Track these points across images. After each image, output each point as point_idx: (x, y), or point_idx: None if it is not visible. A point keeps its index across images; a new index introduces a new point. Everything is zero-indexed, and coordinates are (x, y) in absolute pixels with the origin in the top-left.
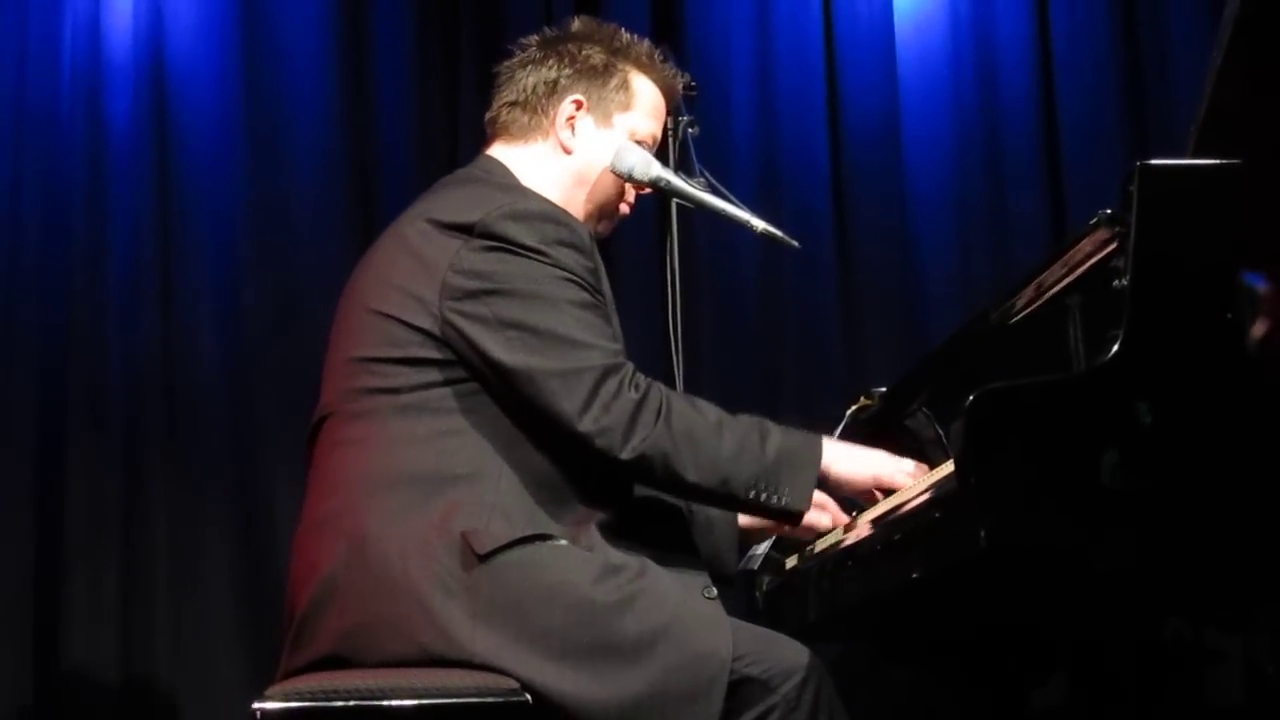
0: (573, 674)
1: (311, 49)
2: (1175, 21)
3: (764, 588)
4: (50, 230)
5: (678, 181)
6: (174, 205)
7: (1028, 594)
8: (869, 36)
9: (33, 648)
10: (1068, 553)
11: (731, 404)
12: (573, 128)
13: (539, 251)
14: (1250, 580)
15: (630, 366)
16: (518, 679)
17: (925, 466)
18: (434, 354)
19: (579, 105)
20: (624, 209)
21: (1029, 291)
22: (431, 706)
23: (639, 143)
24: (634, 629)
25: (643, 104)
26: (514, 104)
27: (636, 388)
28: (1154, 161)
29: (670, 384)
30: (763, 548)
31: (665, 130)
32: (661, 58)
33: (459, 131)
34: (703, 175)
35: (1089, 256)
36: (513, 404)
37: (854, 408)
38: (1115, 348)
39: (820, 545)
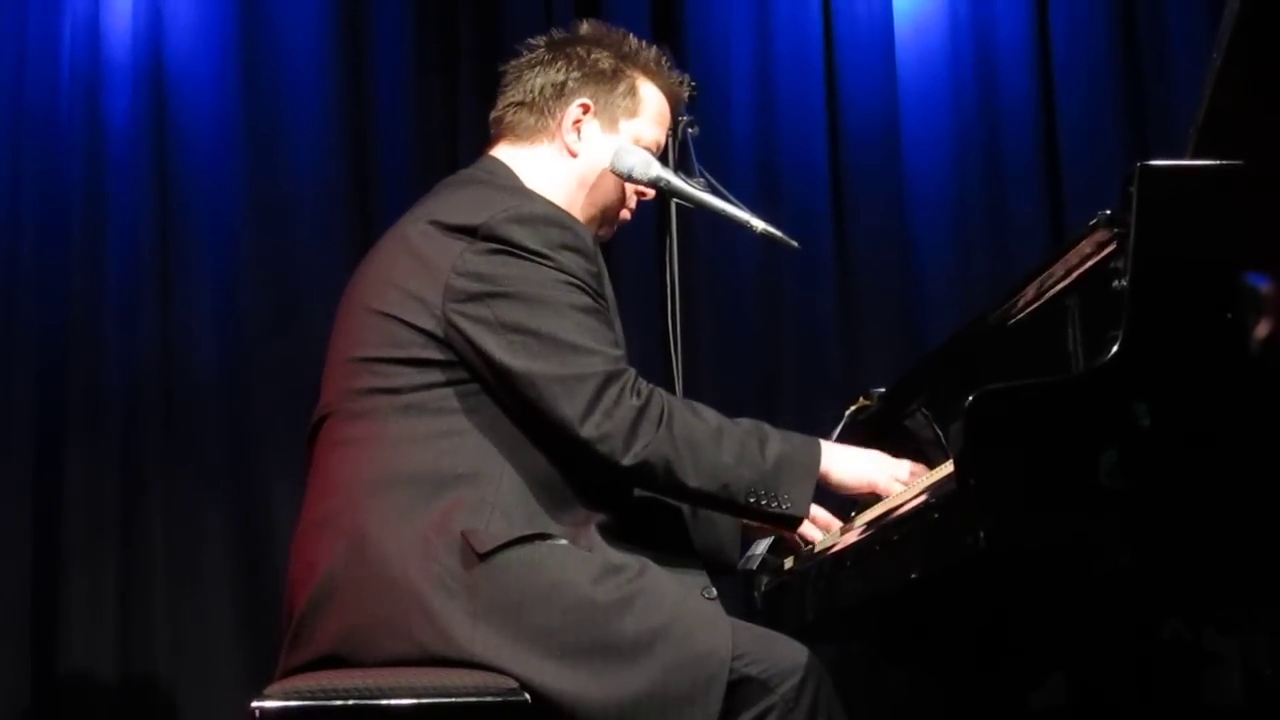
0: (572, 673)
1: (310, 49)
2: (1175, 23)
3: (762, 588)
4: (49, 230)
5: (677, 182)
6: (173, 205)
7: (1026, 595)
8: (868, 38)
9: (31, 648)
10: (1067, 553)
11: (730, 404)
12: (579, 131)
13: (543, 255)
14: (1249, 582)
15: (632, 372)
16: (517, 678)
17: (924, 467)
18: (435, 355)
19: (586, 109)
20: (625, 214)
21: (1028, 292)
22: (430, 706)
23: (644, 149)
24: (633, 629)
25: (649, 111)
26: (520, 105)
27: (638, 394)
28: (1154, 162)
29: (669, 385)
30: (762, 547)
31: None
32: (669, 64)
33: (458, 131)
34: (702, 175)
35: (1088, 257)
36: (514, 406)
37: (853, 408)
38: (1114, 348)
39: (819, 545)
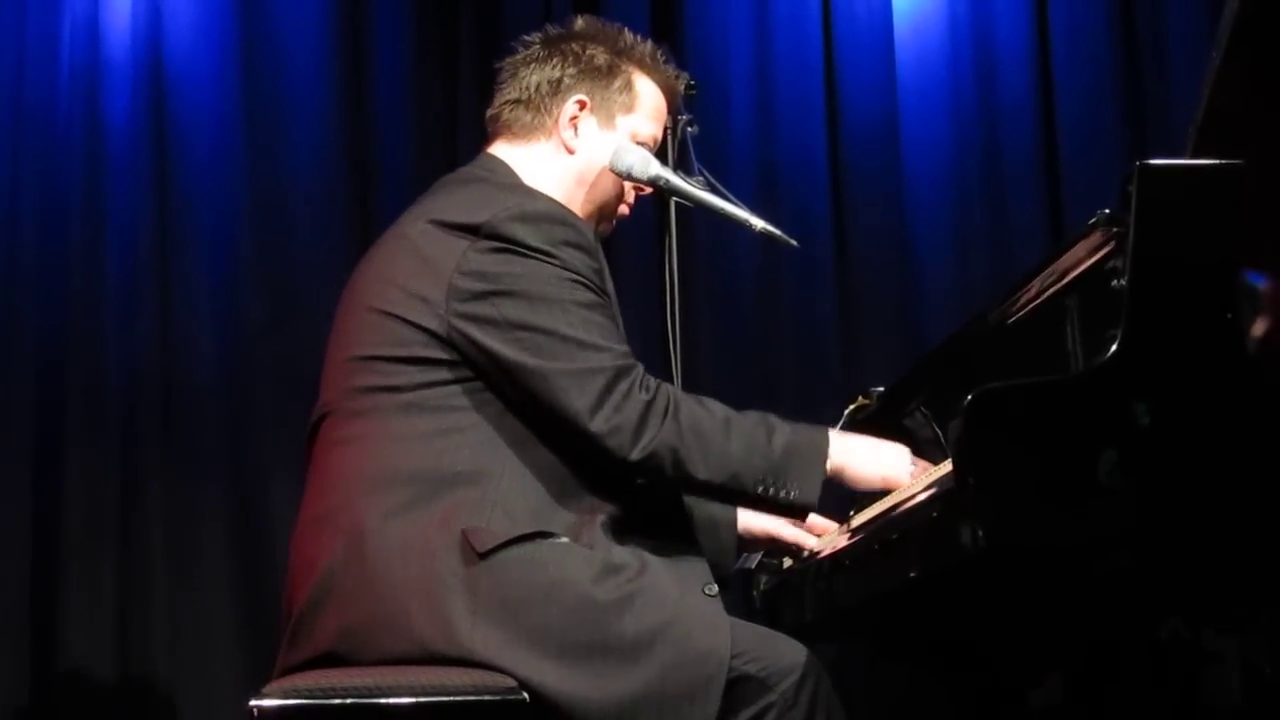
0: (571, 673)
1: (310, 48)
2: (1174, 22)
3: (761, 587)
4: (48, 229)
5: (676, 180)
6: (172, 204)
7: (1025, 594)
8: (868, 37)
9: (30, 646)
10: (1066, 553)
11: (729, 403)
12: (575, 128)
13: (546, 253)
14: (1249, 581)
15: (640, 368)
16: (516, 677)
17: (928, 464)
18: (437, 354)
19: (582, 105)
20: (623, 210)
21: (1027, 291)
22: (429, 704)
23: (640, 144)
24: (632, 628)
25: (645, 106)
26: (517, 102)
27: (646, 389)
28: (1153, 161)
29: (669, 382)
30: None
31: (664, 129)
32: (664, 59)
33: (458, 130)
34: (701, 174)
35: (1087, 256)
36: (518, 402)
37: (852, 407)
38: (1113, 348)
39: (818, 544)
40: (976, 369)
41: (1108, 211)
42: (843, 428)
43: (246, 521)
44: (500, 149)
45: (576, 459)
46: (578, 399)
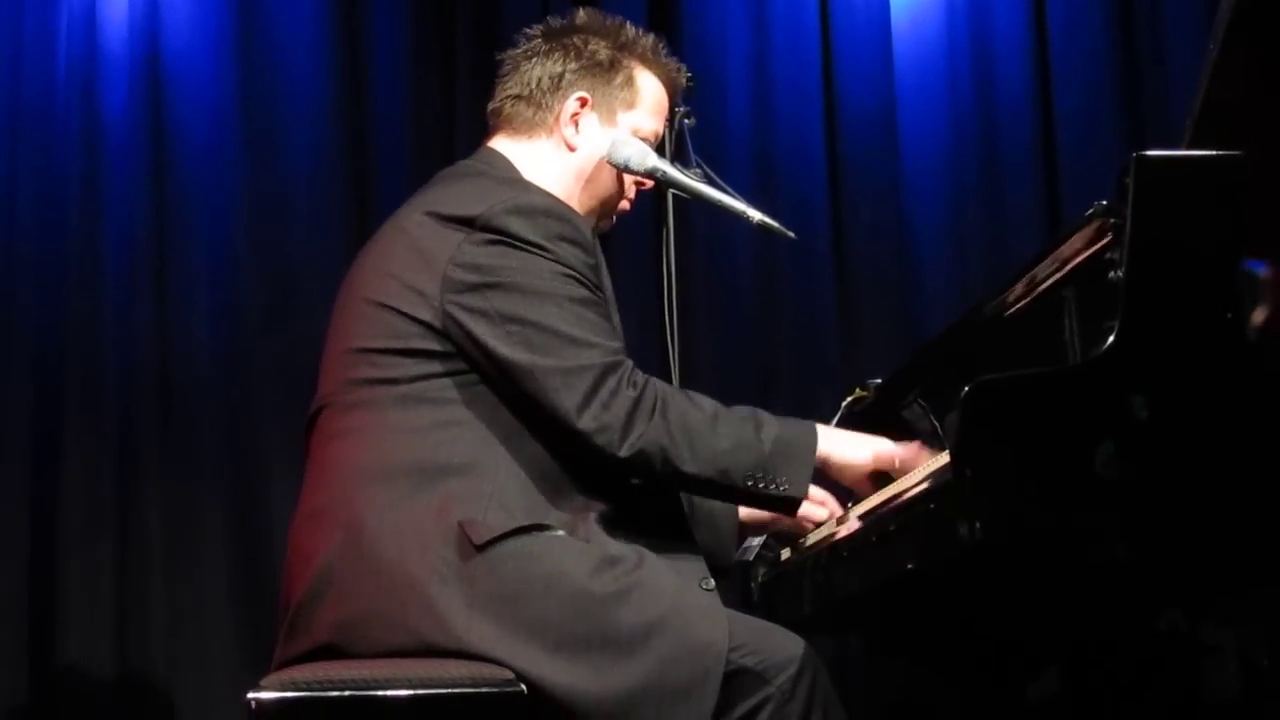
0: (568, 665)
1: (307, 42)
2: (1171, 14)
3: (759, 579)
4: (45, 223)
5: (674, 172)
6: (169, 198)
7: (1023, 586)
8: (865, 28)
9: (28, 639)
10: (1063, 544)
11: (727, 395)
12: (577, 124)
13: (541, 247)
14: (1246, 572)
15: (629, 364)
16: (513, 670)
17: (918, 446)
18: (433, 345)
19: (584, 102)
20: (624, 205)
21: (1024, 283)
22: (427, 697)
23: (642, 140)
24: (630, 621)
25: (647, 101)
26: (518, 97)
27: (634, 385)
28: (1150, 153)
29: (666, 375)
30: (758, 539)
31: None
32: (667, 52)
33: (455, 124)
34: (699, 166)
35: (1085, 248)
36: (511, 397)
37: (849, 399)
38: (1111, 339)
39: (815, 537)
40: (974, 361)
41: (1105, 203)
42: (840, 419)
43: (244, 515)
44: (500, 143)
45: (569, 454)
46: (565, 398)
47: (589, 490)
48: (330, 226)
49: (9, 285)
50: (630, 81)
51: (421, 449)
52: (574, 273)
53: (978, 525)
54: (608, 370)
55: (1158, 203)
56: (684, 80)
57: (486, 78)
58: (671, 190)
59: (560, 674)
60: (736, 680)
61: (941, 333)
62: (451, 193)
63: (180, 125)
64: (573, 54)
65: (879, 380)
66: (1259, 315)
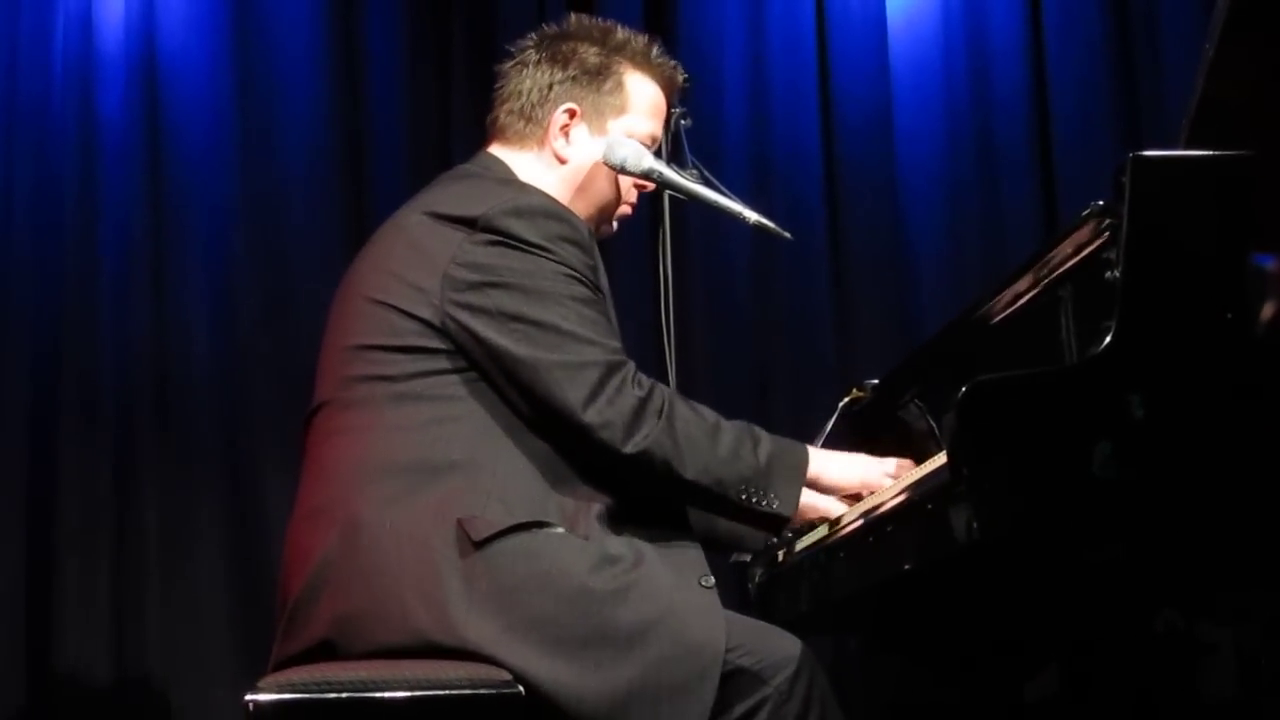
0: (566, 663)
1: (303, 42)
2: (1167, 12)
3: (756, 579)
4: (42, 223)
5: (670, 173)
6: (166, 198)
7: (1020, 585)
8: (861, 28)
9: (25, 639)
10: (1060, 544)
11: (724, 396)
12: (567, 136)
13: (542, 247)
14: (1243, 571)
15: (633, 365)
16: (511, 667)
17: (909, 463)
18: (432, 343)
19: (572, 114)
20: (625, 210)
21: (1021, 283)
22: (424, 698)
23: (639, 142)
24: (628, 619)
25: (639, 105)
26: (510, 110)
27: (640, 385)
28: (1146, 153)
29: (663, 376)
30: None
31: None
32: (660, 51)
33: (450, 124)
34: (695, 167)
35: (1081, 248)
36: (513, 392)
37: (846, 399)
38: (1107, 339)
39: (812, 537)
40: (971, 360)
41: (1101, 203)
42: (837, 420)
43: (241, 514)
44: (496, 150)
45: (569, 451)
46: (571, 391)
47: (588, 486)
48: (326, 227)
49: (5, 285)
50: (620, 87)
51: (420, 446)
52: (575, 273)
53: (974, 525)
54: (613, 368)
55: (1154, 202)
56: (681, 78)
57: (482, 79)
58: (668, 191)
59: (559, 671)
60: (734, 680)
61: (938, 332)
62: (451, 194)
63: (176, 126)
64: (560, 63)
65: (876, 380)
66: (1268, 310)
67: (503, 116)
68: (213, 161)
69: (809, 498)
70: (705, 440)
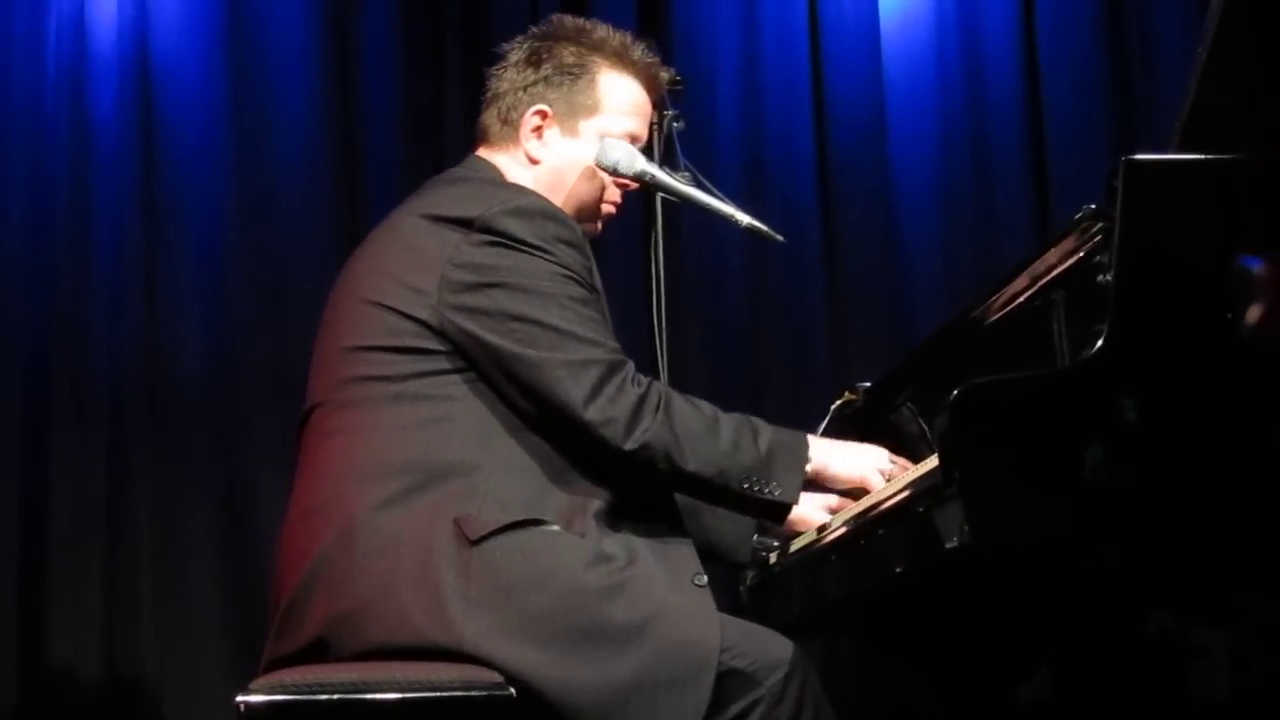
0: (563, 660)
1: (297, 43)
2: (1160, 17)
3: (748, 582)
4: (35, 224)
5: (663, 176)
6: (159, 199)
7: (1012, 589)
8: (855, 31)
9: (17, 642)
10: (1052, 547)
11: (716, 399)
12: (540, 136)
13: (540, 248)
14: (1235, 574)
15: (632, 364)
16: (507, 665)
17: (905, 461)
18: (428, 344)
19: (543, 115)
20: (609, 209)
21: (1014, 286)
22: (416, 700)
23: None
24: (623, 615)
25: (614, 104)
26: (491, 112)
27: (638, 383)
28: (1139, 156)
29: (655, 378)
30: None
31: (650, 124)
32: (642, 49)
33: (444, 126)
34: (688, 170)
35: (1074, 251)
36: (514, 391)
37: (839, 402)
38: (1100, 343)
39: (804, 539)
40: (963, 364)
41: (1094, 206)
42: (830, 423)
43: (234, 517)
44: (483, 153)
45: (567, 448)
46: (573, 388)
47: (584, 486)
48: (319, 228)
49: None
50: (593, 87)
51: (415, 446)
52: (572, 273)
53: (966, 528)
54: (614, 367)
55: (1147, 206)
56: (663, 75)
57: (475, 81)
58: (660, 194)
59: (555, 668)
60: (727, 682)
61: (931, 335)
62: (445, 196)
63: (170, 127)
64: (535, 65)
65: (868, 383)
66: (1254, 313)
67: (486, 119)
68: (206, 163)
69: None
70: (705, 432)
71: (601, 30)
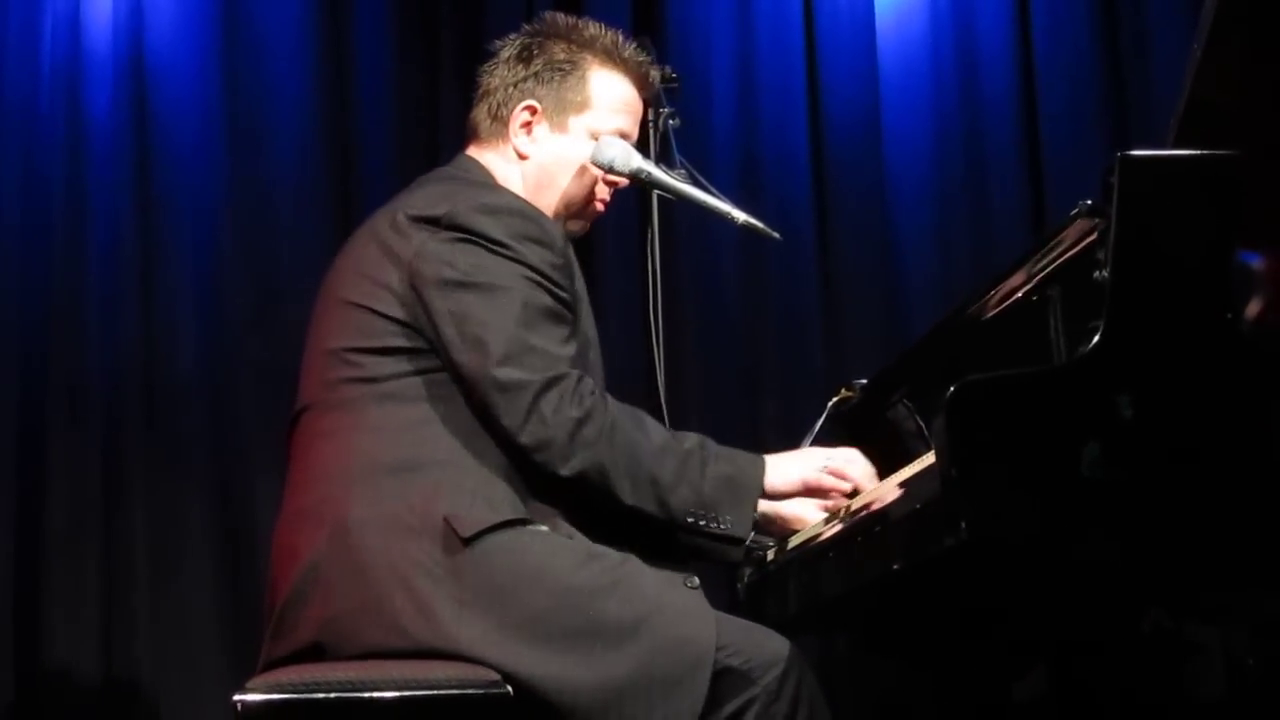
0: (559, 659)
1: (292, 42)
2: (1155, 14)
3: (745, 580)
4: (29, 224)
5: (659, 173)
6: (154, 199)
7: (1008, 585)
8: (850, 28)
9: (13, 642)
10: (1048, 544)
11: (712, 397)
12: (529, 132)
13: (504, 245)
14: (1230, 571)
15: (574, 377)
16: (503, 666)
17: (854, 451)
18: (406, 343)
19: (533, 111)
20: (598, 206)
21: (1010, 283)
22: (413, 699)
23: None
24: (618, 613)
25: (604, 101)
26: (482, 109)
27: (579, 403)
28: (1134, 152)
29: (651, 377)
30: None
31: (645, 122)
32: (633, 48)
33: (439, 124)
34: (683, 167)
35: (1069, 248)
36: (467, 401)
37: (835, 399)
38: (1096, 339)
39: (800, 537)
40: (959, 361)
41: (1090, 202)
42: (826, 420)
43: (229, 517)
44: (473, 151)
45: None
46: (505, 416)
47: (563, 491)
48: (314, 228)
49: None
50: (582, 84)
51: (402, 446)
52: (536, 275)
53: (963, 525)
54: (549, 384)
55: (1142, 202)
56: (653, 72)
57: (470, 79)
58: (656, 191)
59: (551, 666)
60: (723, 680)
61: (927, 333)
62: (422, 195)
63: (165, 126)
64: (526, 61)
65: (864, 380)
66: (1253, 308)
67: (476, 116)
68: (201, 162)
69: (788, 507)
70: (648, 462)
71: (593, 28)
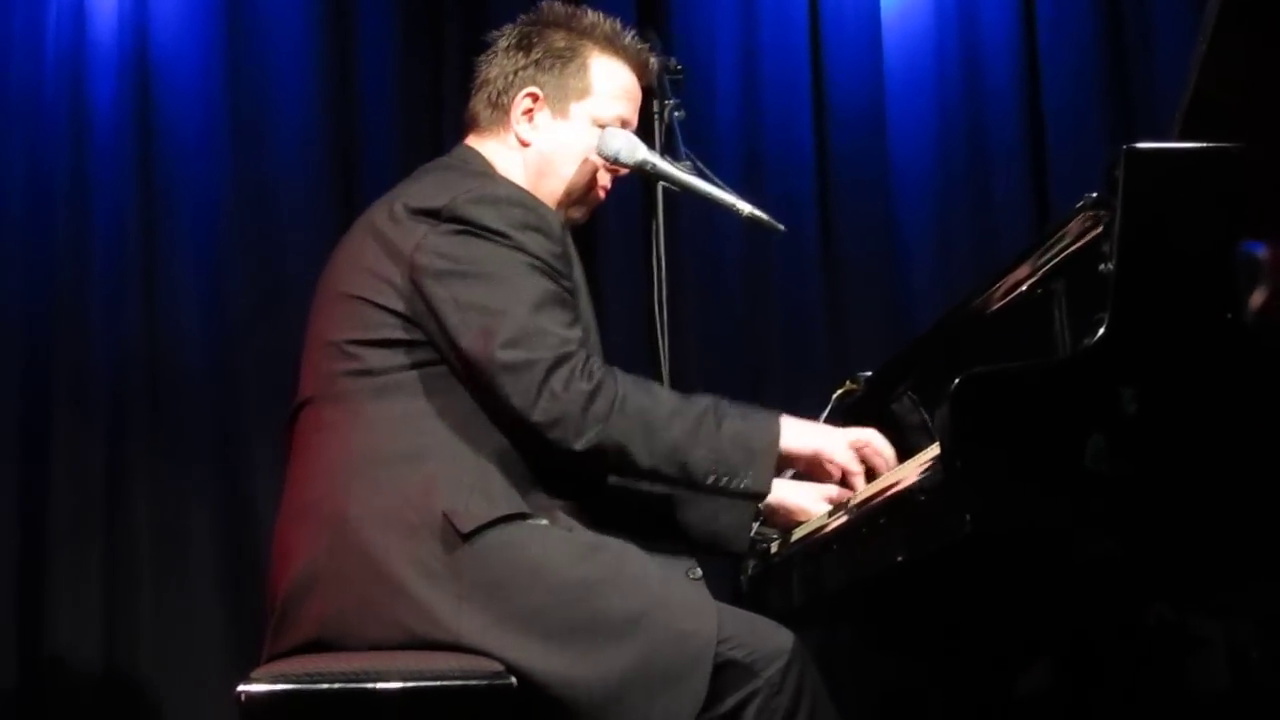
0: (560, 653)
1: (295, 34)
2: (1159, 8)
3: (748, 572)
4: (33, 217)
5: (664, 165)
6: (157, 191)
7: (1012, 578)
8: (854, 21)
9: (16, 634)
10: (1052, 537)
11: (715, 388)
12: (531, 120)
13: (504, 235)
14: (1235, 565)
15: (582, 355)
16: (504, 660)
17: (873, 431)
18: (404, 335)
19: (534, 98)
20: (600, 194)
21: (1014, 276)
22: (417, 689)
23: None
24: (619, 606)
25: (603, 88)
26: (482, 98)
27: (589, 377)
28: (1139, 145)
29: (655, 368)
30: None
31: (650, 114)
32: (632, 35)
33: (443, 117)
34: (689, 159)
35: (1074, 240)
36: (471, 389)
37: (839, 392)
38: (1100, 332)
39: (805, 529)
40: (963, 353)
41: (1094, 195)
42: (830, 413)
43: (233, 509)
44: (473, 141)
45: (539, 446)
46: (515, 396)
47: (565, 480)
48: (318, 220)
49: None
50: (583, 71)
51: (401, 439)
52: (536, 262)
53: (967, 518)
54: (558, 362)
55: (1147, 195)
56: (652, 60)
57: (474, 69)
58: (661, 183)
59: (552, 661)
60: (725, 672)
61: (931, 325)
62: (420, 186)
63: (169, 118)
64: (525, 49)
65: (869, 373)
66: (1257, 298)
67: (475, 106)
68: (205, 154)
69: (792, 498)
70: (662, 427)
71: (591, 16)
